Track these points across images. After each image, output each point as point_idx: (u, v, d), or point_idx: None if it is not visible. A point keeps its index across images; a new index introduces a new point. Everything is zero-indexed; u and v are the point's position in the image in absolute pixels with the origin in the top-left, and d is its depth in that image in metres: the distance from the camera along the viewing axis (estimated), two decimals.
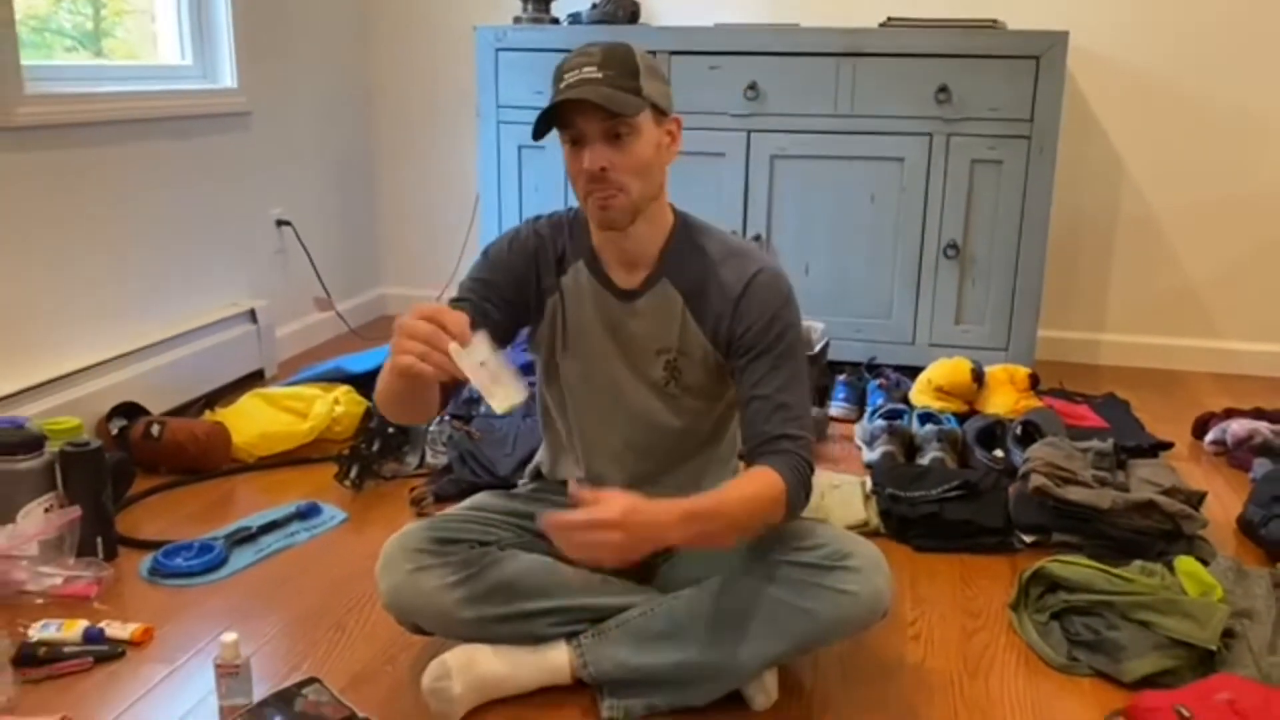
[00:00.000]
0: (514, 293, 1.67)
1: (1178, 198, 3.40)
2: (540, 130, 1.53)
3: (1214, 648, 1.68)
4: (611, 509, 1.35)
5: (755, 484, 1.50)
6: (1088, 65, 3.35)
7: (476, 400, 2.71)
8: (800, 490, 1.53)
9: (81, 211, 2.61)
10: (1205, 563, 1.95)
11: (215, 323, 3.04)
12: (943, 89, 2.99)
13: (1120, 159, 3.41)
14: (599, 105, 1.47)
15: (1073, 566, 1.86)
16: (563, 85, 1.50)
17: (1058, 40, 2.90)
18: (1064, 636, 1.80)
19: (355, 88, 3.83)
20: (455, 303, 1.62)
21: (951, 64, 2.98)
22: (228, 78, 3.14)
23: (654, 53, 3.13)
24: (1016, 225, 3.04)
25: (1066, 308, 3.54)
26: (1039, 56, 2.92)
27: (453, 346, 1.35)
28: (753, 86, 3.12)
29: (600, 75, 1.49)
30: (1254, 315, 3.43)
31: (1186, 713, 1.47)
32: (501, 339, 1.62)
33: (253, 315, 3.19)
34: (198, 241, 3.05)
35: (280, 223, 3.41)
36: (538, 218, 1.72)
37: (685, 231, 1.65)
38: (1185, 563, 1.91)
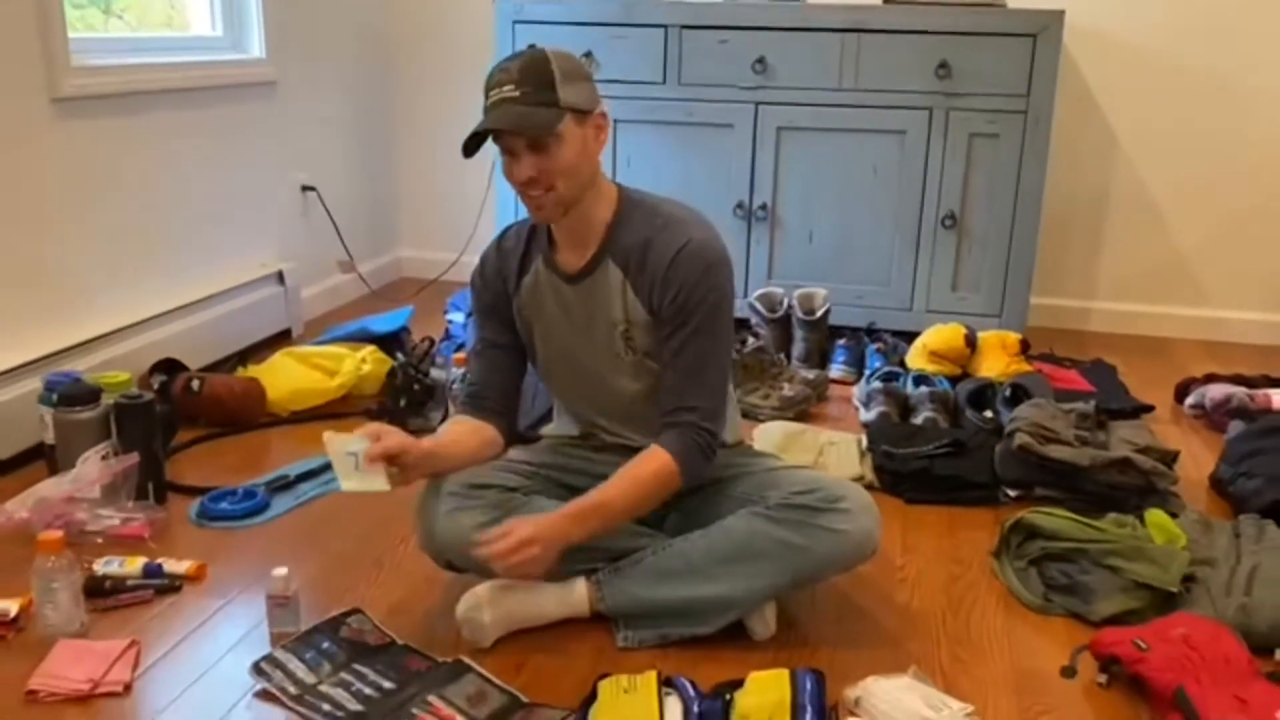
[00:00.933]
0: (506, 311, 1.87)
1: (1169, 170, 3.53)
2: (470, 149, 1.67)
3: (1175, 590, 1.84)
4: (519, 534, 1.64)
5: (643, 469, 1.71)
6: (1085, 42, 3.46)
7: None
8: (695, 457, 1.72)
9: (121, 178, 2.75)
10: (1174, 516, 2.11)
11: (246, 284, 3.20)
12: (943, 65, 3.12)
13: (1114, 132, 3.53)
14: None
15: (1051, 517, 2.02)
16: (486, 104, 1.65)
17: (1054, 19, 3.02)
18: (1040, 580, 1.96)
19: (377, 57, 3.95)
20: (473, 354, 1.93)
21: (952, 41, 3.10)
22: (256, 48, 3.27)
23: (664, 27, 3.29)
24: (1012, 197, 3.17)
25: (1059, 276, 3.68)
26: (1036, 34, 3.04)
27: (326, 435, 1.68)
28: (760, 60, 3.24)
29: (518, 94, 1.62)
30: (1240, 284, 3.57)
31: (1144, 646, 1.63)
32: (519, 349, 1.90)
33: (280, 277, 3.34)
34: (228, 207, 3.19)
35: (305, 188, 3.55)
36: (507, 230, 1.89)
37: (627, 209, 1.78)
38: (1155, 515, 2.07)
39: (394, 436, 1.69)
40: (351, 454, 1.66)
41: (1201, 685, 1.52)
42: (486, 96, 1.66)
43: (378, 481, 1.67)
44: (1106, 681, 1.67)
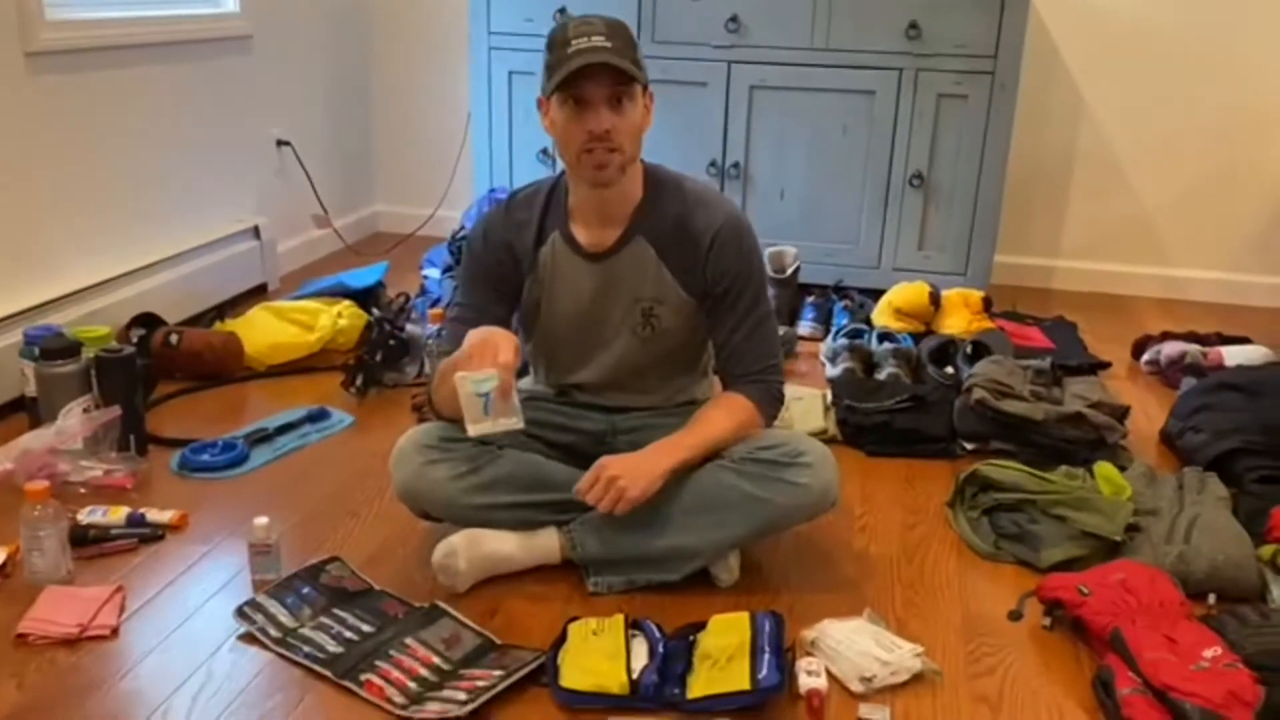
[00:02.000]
0: (501, 283, 1.88)
1: (1133, 131, 3.59)
2: (551, 90, 1.70)
3: (1119, 539, 1.93)
4: (609, 471, 1.72)
5: (735, 416, 1.82)
6: (1054, 5, 3.51)
7: None
8: (773, 408, 1.88)
9: (96, 133, 2.76)
10: (1123, 468, 2.21)
11: (222, 239, 3.23)
12: (913, 25, 3.16)
13: (1080, 94, 3.59)
14: (612, 70, 1.66)
15: (1003, 469, 2.11)
16: (572, 50, 1.66)
17: None
18: (991, 529, 2.05)
19: (352, 11, 3.94)
20: (454, 321, 1.87)
21: (922, 2, 3.14)
22: (230, 1, 3.27)
23: None
24: (978, 158, 3.24)
25: (1025, 234, 3.76)
26: None
27: (457, 376, 1.60)
28: (734, 19, 3.27)
29: (609, 45, 1.67)
30: (1199, 244, 3.66)
31: (1085, 591, 1.73)
32: (508, 320, 1.89)
33: (256, 232, 3.37)
34: (204, 161, 3.21)
35: (280, 143, 3.56)
36: (512, 196, 1.90)
37: (655, 188, 1.84)
38: (1103, 468, 2.16)
39: (507, 352, 1.61)
40: (482, 395, 1.58)
41: (1136, 627, 1.61)
42: (565, 46, 1.67)
43: (511, 420, 1.60)
44: (1051, 624, 1.77)
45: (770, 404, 1.86)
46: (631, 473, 1.72)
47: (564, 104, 1.72)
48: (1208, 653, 1.53)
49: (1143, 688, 1.51)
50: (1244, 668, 1.50)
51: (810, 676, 1.57)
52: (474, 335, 1.66)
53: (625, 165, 1.75)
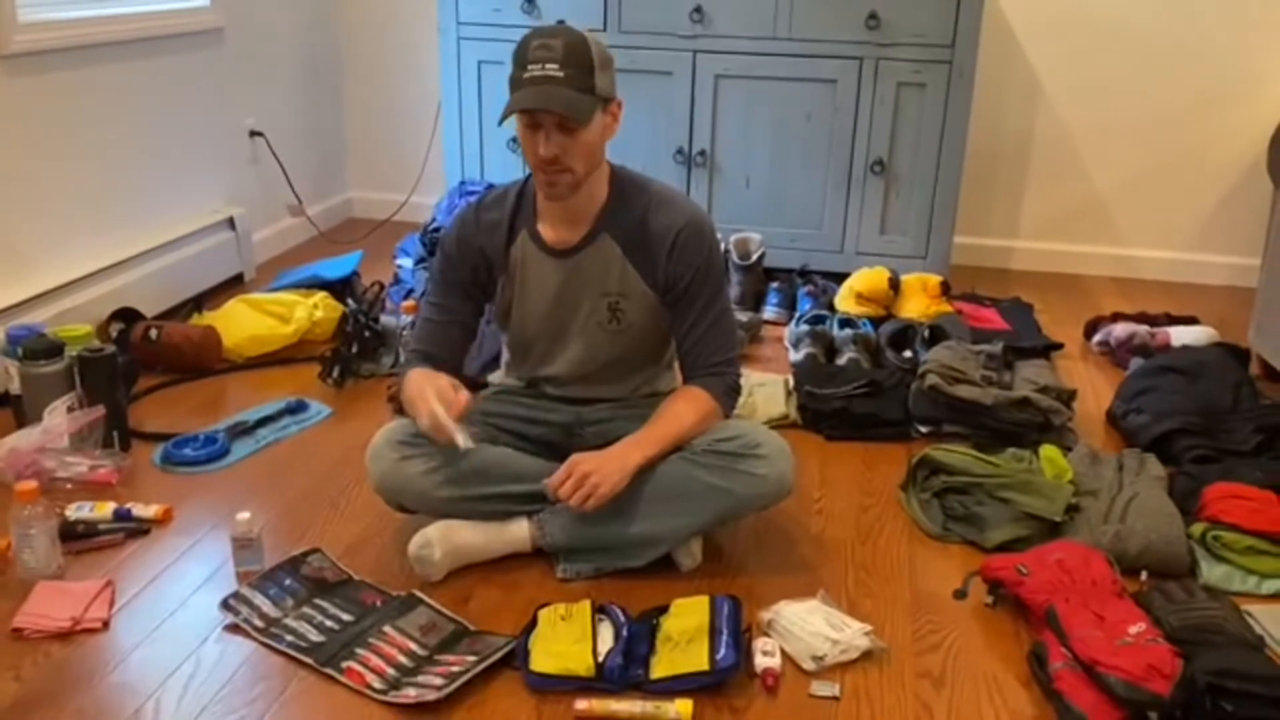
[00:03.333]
0: (473, 288, 1.98)
1: (1089, 115, 3.69)
2: (505, 114, 1.77)
3: (1059, 519, 2.04)
4: (581, 469, 1.81)
5: (697, 409, 1.91)
6: None
7: None
8: (731, 400, 1.98)
9: (72, 131, 2.81)
10: (1068, 449, 2.32)
11: (198, 230, 3.28)
12: (873, 15, 3.23)
13: (1038, 79, 3.68)
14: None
15: (952, 454, 2.22)
16: (526, 77, 1.73)
17: None
18: (941, 511, 2.16)
19: (323, 1, 3.97)
20: (426, 321, 2.00)
21: None
22: None
23: None
24: (937, 144, 3.32)
25: (984, 217, 3.85)
26: None
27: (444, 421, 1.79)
28: (698, 10, 3.34)
29: (561, 75, 1.72)
30: (1152, 224, 3.78)
31: (1024, 570, 1.84)
32: (476, 322, 2.02)
33: (231, 223, 3.43)
34: (178, 154, 3.25)
35: (253, 133, 3.61)
36: (481, 199, 1.98)
37: (620, 190, 1.92)
38: (1048, 450, 2.27)
39: (455, 406, 1.81)
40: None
41: (1070, 605, 1.72)
42: (523, 68, 1.74)
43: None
44: (993, 602, 1.88)
45: (728, 396, 1.96)
46: (602, 469, 1.82)
47: (519, 119, 1.79)
48: (1133, 629, 1.64)
49: (1073, 662, 1.62)
50: (1165, 642, 1.61)
51: (765, 656, 1.68)
52: (422, 402, 1.82)
53: (578, 183, 1.83)
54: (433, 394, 1.81)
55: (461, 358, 2.04)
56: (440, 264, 2.01)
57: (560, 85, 1.72)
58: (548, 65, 1.73)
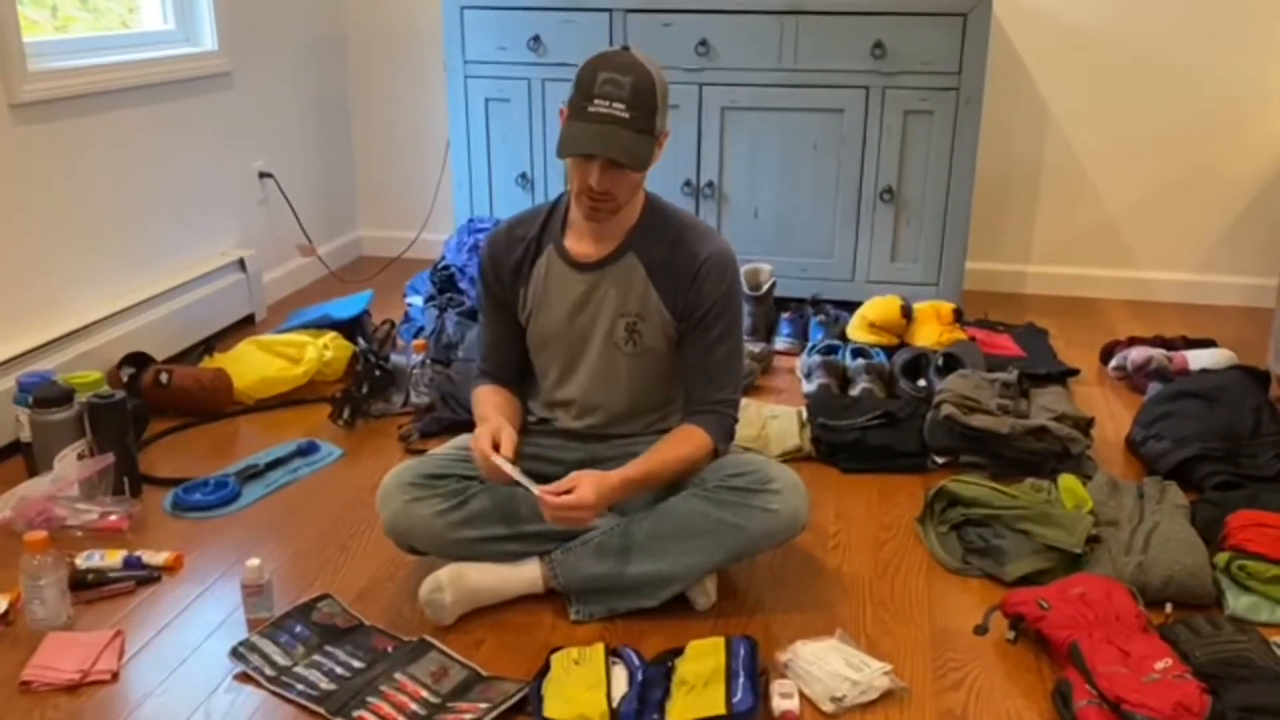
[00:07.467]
0: (512, 303, 1.99)
1: (1098, 138, 3.67)
2: (560, 149, 1.77)
3: (1079, 551, 2.01)
4: (583, 494, 1.76)
5: (686, 445, 1.88)
6: (1018, 17, 3.58)
7: (454, 345, 2.98)
8: (726, 439, 1.94)
9: (82, 178, 2.83)
10: (1088, 478, 2.28)
11: (208, 273, 3.28)
12: (878, 45, 3.23)
13: (1046, 103, 3.67)
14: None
15: (970, 485, 2.18)
16: (590, 111, 1.72)
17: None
18: (960, 544, 2.12)
19: (329, 42, 4.00)
20: (482, 344, 2.07)
21: (885, 21, 3.21)
22: (208, 40, 3.33)
23: (610, 11, 3.37)
24: (946, 171, 3.31)
25: (996, 242, 3.83)
26: (966, 14, 3.16)
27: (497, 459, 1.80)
28: (703, 43, 3.34)
29: (627, 116, 1.72)
30: (1166, 245, 3.75)
31: (1045, 605, 1.80)
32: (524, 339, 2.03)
33: (242, 264, 3.43)
34: (188, 198, 3.27)
35: (263, 175, 3.62)
36: (513, 218, 2.00)
37: (653, 214, 1.93)
38: (1067, 480, 2.23)
39: (506, 444, 1.84)
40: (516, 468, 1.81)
41: (1093, 640, 1.69)
42: (588, 99, 1.72)
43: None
44: (1014, 638, 1.84)
45: (724, 438, 1.93)
46: (597, 494, 1.78)
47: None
48: (1159, 664, 1.60)
49: (1098, 700, 1.58)
50: (1193, 678, 1.58)
51: (783, 699, 1.64)
52: (476, 443, 1.85)
53: (618, 210, 1.84)
54: (487, 437, 1.82)
55: (518, 374, 2.06)
56: (481, 292, 2.03)
57: (624, 127, 1.72)
58: (615, 104, 1.72)
